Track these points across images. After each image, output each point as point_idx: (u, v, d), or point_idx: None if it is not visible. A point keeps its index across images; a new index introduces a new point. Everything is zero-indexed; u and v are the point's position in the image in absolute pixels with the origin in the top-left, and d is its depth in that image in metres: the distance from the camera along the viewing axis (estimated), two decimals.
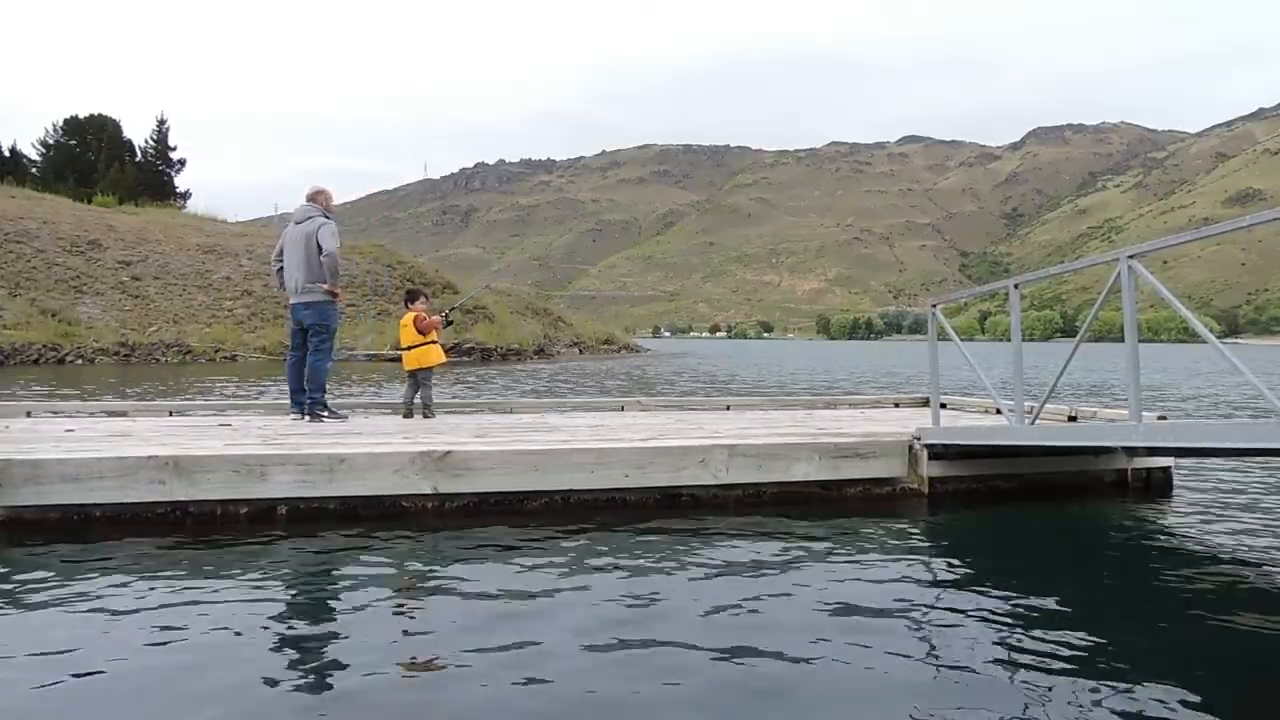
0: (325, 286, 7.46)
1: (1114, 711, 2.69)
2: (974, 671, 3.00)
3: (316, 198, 7.76)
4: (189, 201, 58.12)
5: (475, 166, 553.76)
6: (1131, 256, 4.56)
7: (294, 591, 3.87)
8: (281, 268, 7.69)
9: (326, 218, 7.65)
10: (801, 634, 3.35)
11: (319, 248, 7.43)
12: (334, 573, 4.15)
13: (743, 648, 3.20)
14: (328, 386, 7.80)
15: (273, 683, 2.85)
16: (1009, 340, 5.74)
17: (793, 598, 3.82)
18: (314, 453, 5.23)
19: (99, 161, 54.70)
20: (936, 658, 3.15)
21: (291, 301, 7.64)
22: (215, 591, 3.79)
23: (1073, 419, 7.20)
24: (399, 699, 2.76)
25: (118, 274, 33.87)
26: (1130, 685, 2.90)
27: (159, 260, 35.79)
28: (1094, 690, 2.84)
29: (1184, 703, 2.74)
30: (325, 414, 7.48)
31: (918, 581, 4.15)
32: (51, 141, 57.02)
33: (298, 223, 7.63)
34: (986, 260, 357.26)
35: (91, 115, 57.52)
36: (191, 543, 4.61)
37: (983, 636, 3.36)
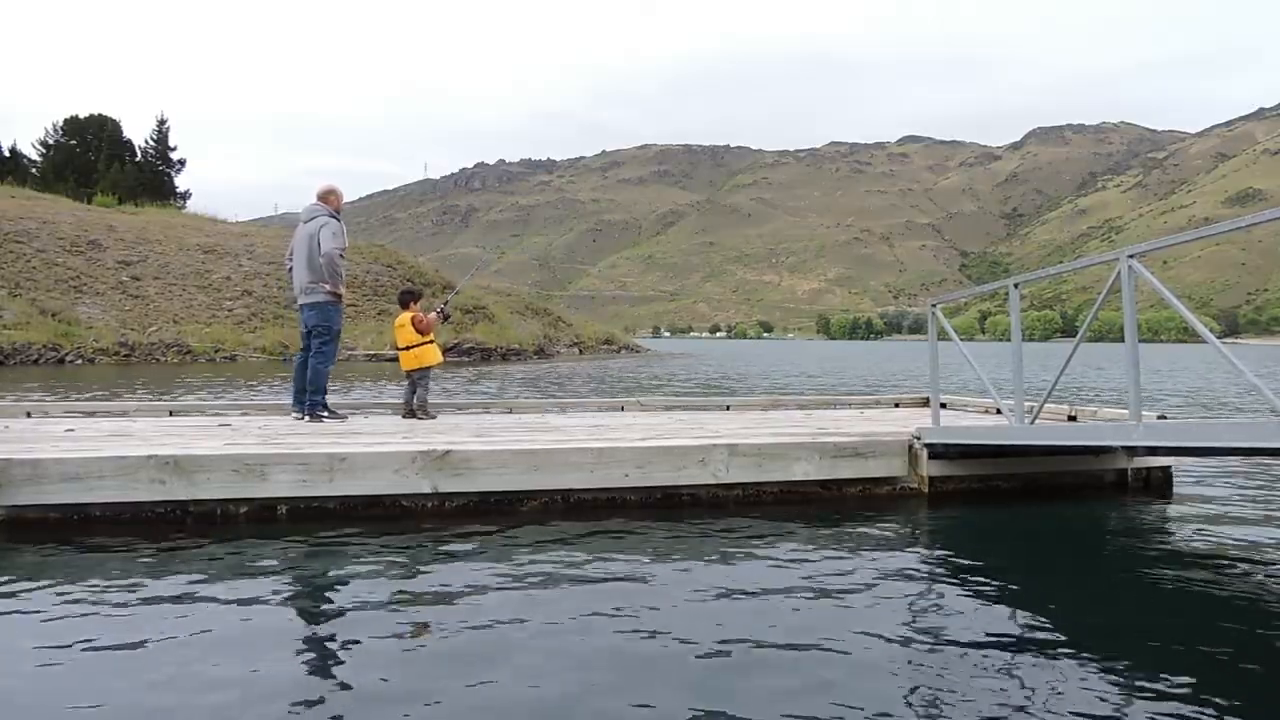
0: (327, 288, 7.43)
1: (1113, 711, 2.69)
2: (974, 670, 3.00)
3: (327, 197, 7.68)
4: (189, 201, 58.14)
5: (475, 166, 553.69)
6: (1132, 256, 4.56)
7: (294, 591, 3.87)
8: (292, 268, 7.66)
9: (333, 218, 7.58)
10: (801, 633, 3.35)
11: (320, 248, 7.41)
12: (334, 572, 4.14)
13: (743, 647, 3.20)
14: (329, 386, 7.79)
15: (273, 682, 2.85)
16: (1009, 340, 5.74)
17: (793, 597, 3.82)
18: (314, 452, 5.23)
19: (99, 161, 54.64)
20: (937, 657, 3.14)
21: (298, 303, 7.63)
22: (215, 591, 3.79)
23: (1073, 419, 7.21)
24: (399, 698, 2.76)
25: (118, 274, 33.85)
26: (1130, 685, 2.90)
27: (159, 260, 35.75)
28: (1094, 690, 2.84)
29: (1184, 702, 2.74)
30: (325, 414, 7.47)
31: (918, 581, 4.15)
32: (51, 141, 56.95)
33: (304, 222, 7.60)
34: (986, 260, 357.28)
35: (91, 115, 57.43)
36: (191, 542, 4.61)
37: (983, 636, 3.35)
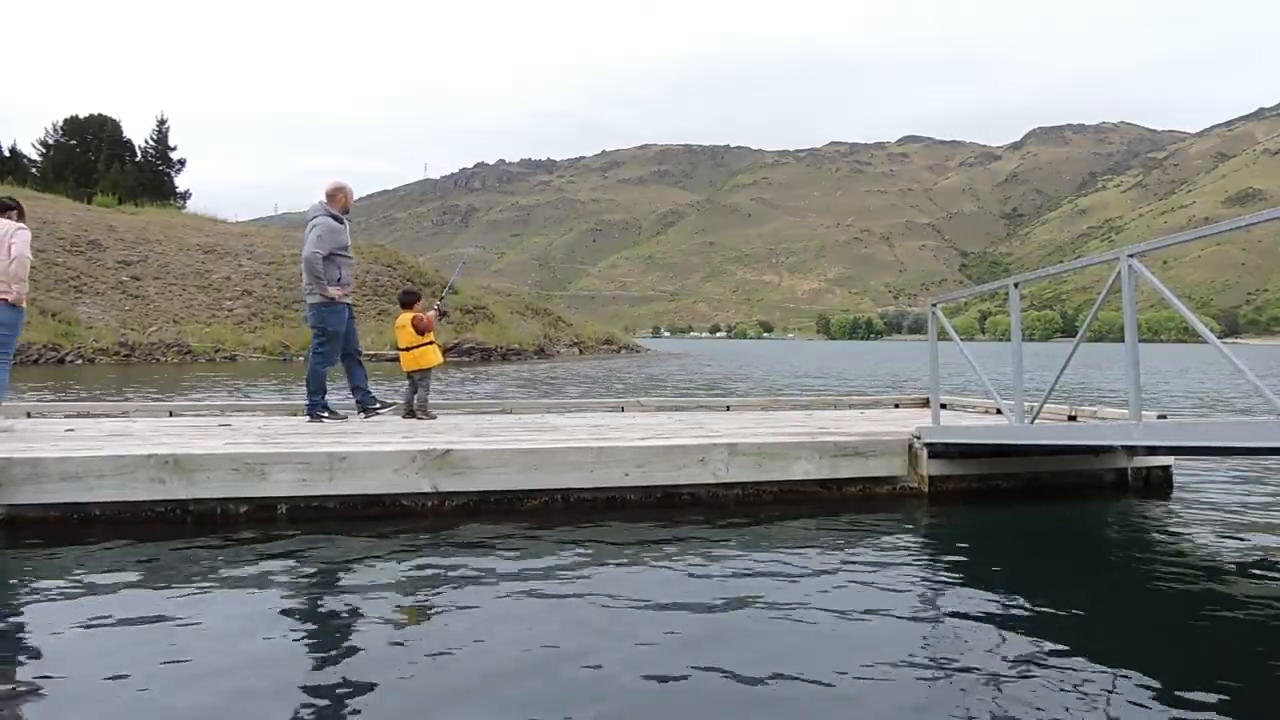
0: (320, 290, 7.33)
1: (1114, 711, 2.69)
2: (973, 670, 3.00)
3: (334, 195, 7.48)
4: (189, 201, 58.12)
5: (475, 166, 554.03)
6: (1132, 255, 4.56)
7: (293, 590, 3.87)
8: None
9: (333, 217, 7.46)
10: (801, 632, 3.35)
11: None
12: (334, 571, 4.14)
13: (741, 647, 3.19)
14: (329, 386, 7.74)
15: (272, 681, 2.85)
16: (1009, 340, 5.74)
17: (792, 596, 3.82)
18: (314, 451, 5.23)
19: (99, 161, 54.64)
20: (935, 657, 3.14)
21: None
22: (215, 590, 3.79)
23: (1073, 418, 7.21)
24: (398, 697, 2.76)
25: (118, 274, 33.86)
26: (1130, 685, 2.90)
27: (159, 260, 35.76)
28: (1094, 690, 2.84)
29: (1184, 702, 2.74)
30: (325, 415, 7.44)
31: (917, 580, 4.15)
32: (51, 141, 56.94)
33: (308, 221, 7.52)
34: (986, 260, 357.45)
35: (91, 115, 57.42)
36: (191, 541, 4.60)
37: (982, 635, 3.35)
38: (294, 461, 5.12)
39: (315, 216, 7.46)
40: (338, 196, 7.59)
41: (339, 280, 7.39)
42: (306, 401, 7.51)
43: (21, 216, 6.95)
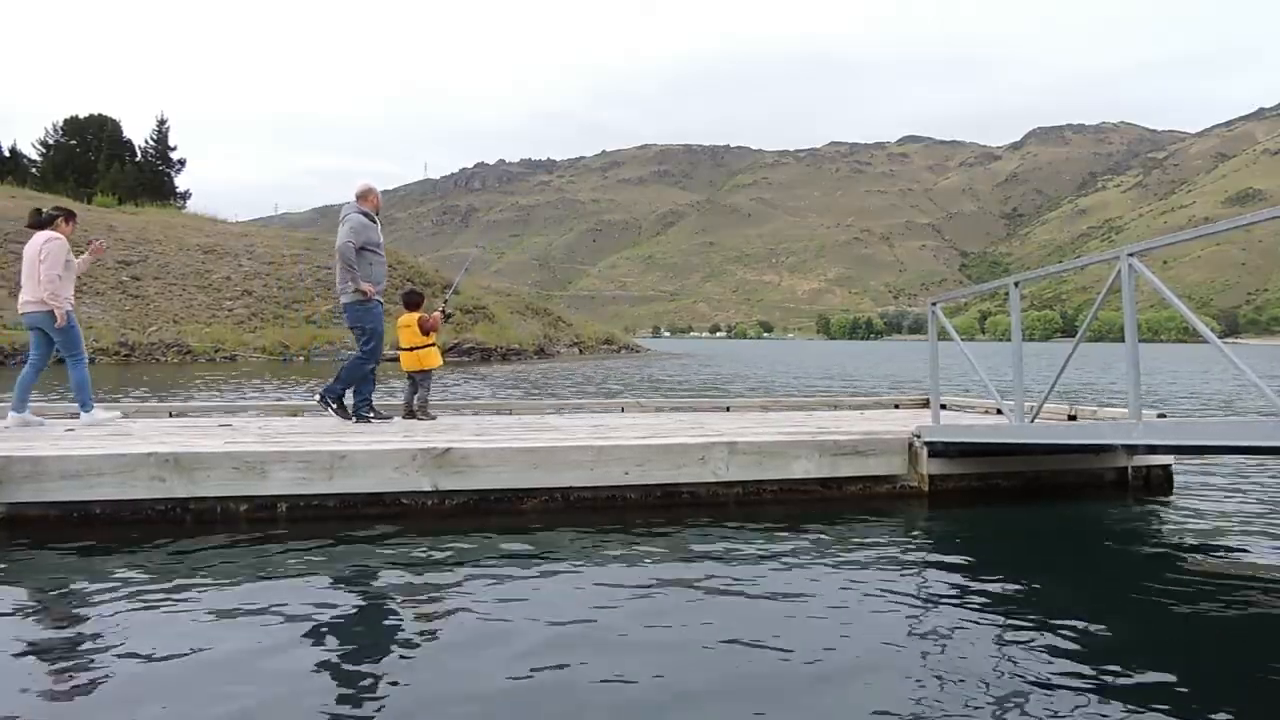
0: (351, 287, 7.28)
1: (1113, 711, 2.69)
2: (973, 670, 3.00)
3: (365, 196, 7.47)
4: (189, 201, 58.12)
5: (475, 166, 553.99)
6: (1132, 254, 4.56)
7: (293, 589, 3.86)
8: None
9: (362, 214, 7.38)
10: (800, 632, 3.35)
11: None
12: (334, 570, 4.14)
13: (741, 646, 3.20)
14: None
15: (271, 680, 2.85)
16: (1009, 340, 5.74)
17: (792, 595, 3.82)
18: (314, 450, 5.23)
19: (99, 161, 54.63)
20: (935, 656, 3.15)
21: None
22: (214, 589, 3.79)
23: (1073, 418, 7.21)
24: (397, 696, 2.76)
25: (118, 274, 33.86)
26: (1129, 684, 2.90)
27: (159, 260, 35.77)
28: (1093, 690, 2.84)
29: (1183, 702, 2.74)
30: (334, 408, 7.39)
31: (917, 579, 4.15)
32: (51, 141, 56.94)
33: (342, 217, 7.48)
34: (986, 260, 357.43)
35: (91, 115, 57.43)
36: (191, 540, 4.60)
37: (982, 634, 3.36)
38: (294, 460, 5.12)
39: (348, 214, 7.43)
40: (369, 197, 7.57)
41: (371, 277, 7.33)
42: (323, 386, 7.49)
43: (70, 220, 7.08)
